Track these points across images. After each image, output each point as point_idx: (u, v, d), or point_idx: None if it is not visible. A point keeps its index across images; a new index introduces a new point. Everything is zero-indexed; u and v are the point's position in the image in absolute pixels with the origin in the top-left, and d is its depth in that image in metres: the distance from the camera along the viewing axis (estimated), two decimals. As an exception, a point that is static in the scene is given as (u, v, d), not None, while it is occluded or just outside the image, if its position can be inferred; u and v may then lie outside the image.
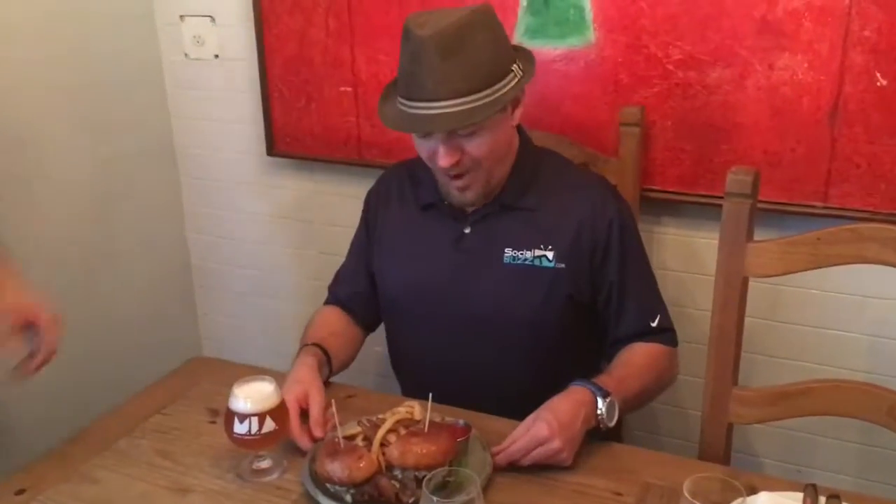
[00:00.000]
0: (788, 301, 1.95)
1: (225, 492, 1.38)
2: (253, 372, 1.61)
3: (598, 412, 1.39)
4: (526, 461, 1.35)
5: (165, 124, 2.58)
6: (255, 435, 1.37)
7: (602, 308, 1.62)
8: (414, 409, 1.44)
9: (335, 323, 1.80)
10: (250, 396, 1.38)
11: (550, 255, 1.58)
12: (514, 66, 1.49)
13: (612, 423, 1.41)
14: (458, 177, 1.54)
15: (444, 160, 1.49)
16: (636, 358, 1.56)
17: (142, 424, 1.58)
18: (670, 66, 1.86)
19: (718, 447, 1.46)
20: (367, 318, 1.82)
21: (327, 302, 1.87)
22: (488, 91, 1.44)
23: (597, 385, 1.42)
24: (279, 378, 1.66)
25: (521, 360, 1.64)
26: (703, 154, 1.90)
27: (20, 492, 1.38)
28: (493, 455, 1.36)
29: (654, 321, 1.59)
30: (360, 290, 1.80)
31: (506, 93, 1.46)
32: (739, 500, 1.09)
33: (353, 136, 2.27)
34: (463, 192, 1.57)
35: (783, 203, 1.82)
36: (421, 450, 1.28)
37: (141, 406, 1.64)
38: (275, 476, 1.41)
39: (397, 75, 1.52)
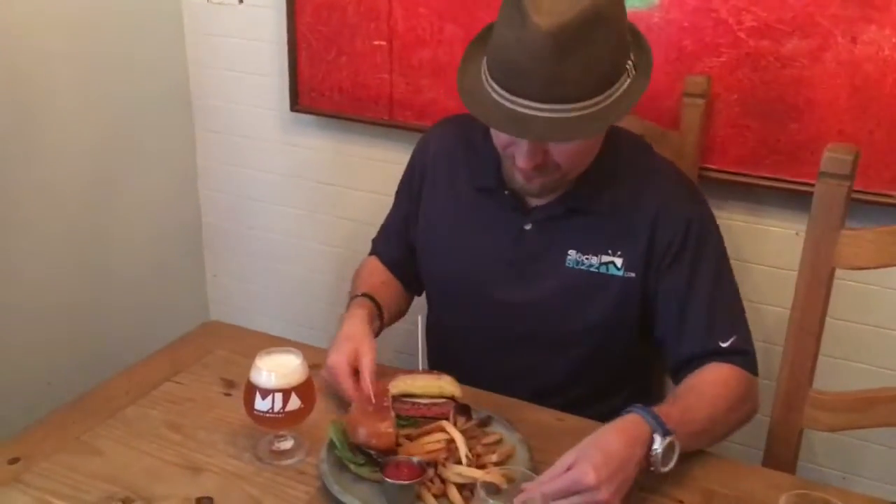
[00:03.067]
0: (847, 297, 1.81)
1: (240, 473, 1.24)
2: (272, 341, 1.48)
3: (653, 452, 1.18)
4: None
5: (182, 72, 2.41)
6: (278, 413, 1.23)
7: (664, 319, 1.41)
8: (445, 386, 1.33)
9: (383, 272, 1.67)
10: (275, 370, 1.24)
11: (619, 262, 1.40)
12: (629, 63, 1.28)
13: (667, 469, 1.20)
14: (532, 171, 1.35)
15: (524, 161, 1.31)
16: (705, 384, 1.33)
17: (151, 392, 1.44)
18: (741, 34, 1.70)
19: (787, 454, 1.33)
20: (409, 284, 1.68)
21: (371, 253, 1.73)
22: (600, 98, 1.24)
23: (657, 418, 1.20)
24: (302, 350, 1.53)
25: (570, 370, 1.48)
26: (769, 133, 1.74)
27: (13, 460, 1.25)
28: (521, 490, 1.13)
29: (725, 341, 1.36)
30: (399, 258, 1.66)
31: (618, 102, 1.26)
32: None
33: (385, 95, 2.11)
34: (530, 182, 1.38)
35: (857, 191, 1.66)
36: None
37: (150, 371, 1.50)
38: (296, 459, 1.27)
39: (493, 47, 1.28)
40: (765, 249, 1.88)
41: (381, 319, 1.57)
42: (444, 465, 1.19)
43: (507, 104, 1.25)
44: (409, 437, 1.27)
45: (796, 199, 1.78)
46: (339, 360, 1.39)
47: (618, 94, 1.26)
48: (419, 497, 1.17)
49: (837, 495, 1.18)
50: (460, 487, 1.17)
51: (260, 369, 1.24)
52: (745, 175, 1.79)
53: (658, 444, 1.20)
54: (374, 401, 1.29)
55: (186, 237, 2.57)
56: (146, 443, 1.30)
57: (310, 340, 1.62)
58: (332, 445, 1.24)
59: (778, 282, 1.86)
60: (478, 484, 0.97)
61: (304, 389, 1.25)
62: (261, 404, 1.23)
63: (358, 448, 1.23)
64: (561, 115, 1.22)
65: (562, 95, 1.22)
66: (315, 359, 1.44)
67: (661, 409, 1.25)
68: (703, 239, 1.39)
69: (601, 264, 1.41)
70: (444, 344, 1.60)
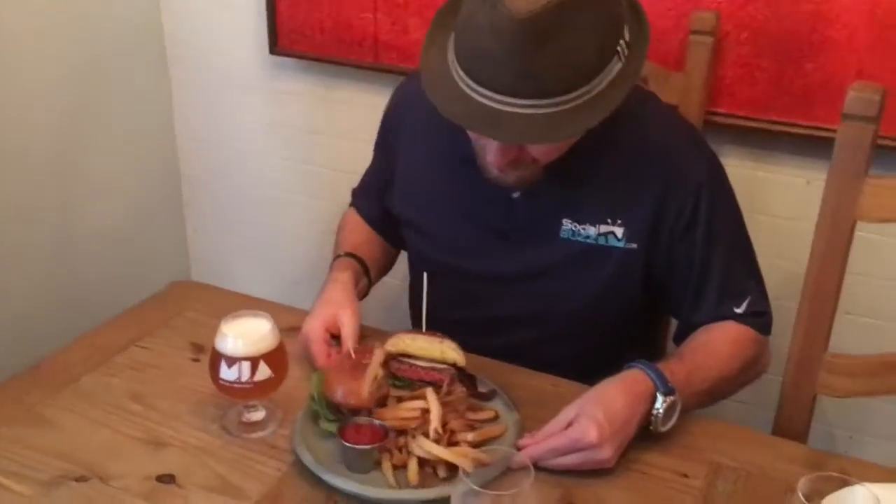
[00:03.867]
0: (869, 251, 1.69)
1: (206, 447, 1.14)
2: (247, 302, 1.37)
3: (654, 412, 1.12)
4: (558, 464, 1.07)
5: (153, 11, 2.26)
6: (245, 383, 1.13)
7: (677, 291, 1.31)
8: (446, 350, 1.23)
9: (366, 228, 1.56)
10: (242, 336, 1.13)
11: (620, 231, 1.27)
12: (621, 43, 1.11)
13: (666, 428, 1.14)
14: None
15: (494, 158, 1.18)
16: (716, 343, 1.25)
17: (112, 359, 1.33)
18: (753, -35, 1.56)
19: (799, 422, 1.23)
20: (392, 241, 1.56)
21: (352, 205, 1.62)
22: (583, 90, 1.08)
23: (661, 375, 1.13)
24: (280, 312, 1.42)
25: (567, 347, 1.36)
26: (782, 73, 1.61)
27: (-41, 433, 1.15)
28: (518, 448, 1.08)
29: (740, 306, 1.27)
30: (379, 216, 1.54)
31: (605, 94, 1.10)
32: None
33: (370, 36, 1.97)
34: (504, 175, 1.23)
35: (880, 137, 1.54)
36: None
37: (113, 336, 1.39)
38: (268, 431, 1.17)
39: (461, 28, 1.12)
40: (773, 199, 1.76)
41: (369, 277, 1.47)
42: (412, 437, 1.09)
43: (476, 97, 1.10)
44: (401, 400, 1.18)
45: (809, 146, 1.66)
46: (314, 325, 1.29)
47: (604, 83, 1.10)
48: (378, 464, 1.08)
49: (854, 469, 1.10)
50: (425, 462, 1.07)
51: (225, 336, 1.13)
52: (754, 119, 1.67)
53: (660, 404, 1.12)
54: (353, 356, 1.20)
55: (165, 190, 2.44)
56: (105, 415, 1.20)
57: (297, 297, 1.52)
58: (311, 398, 1.17)
59: (785, 234, 1.75)
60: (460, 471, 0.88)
61: (274, 357, 1.15)
62: (226, 373, 1.13)
63: (334, 405, 1.15)
64: (537, 112, 1.08)
65: (538, 89, 1.07)
66: (297, 321, 1.35)
67: (667, 367, 1.16)
68: (716, 203, 1.27)
69: (599, 235, 1.28)
70: (429, 318, 1.48)
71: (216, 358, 1.14)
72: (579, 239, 1.29)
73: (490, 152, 1.18)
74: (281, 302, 1.49)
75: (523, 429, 1.14)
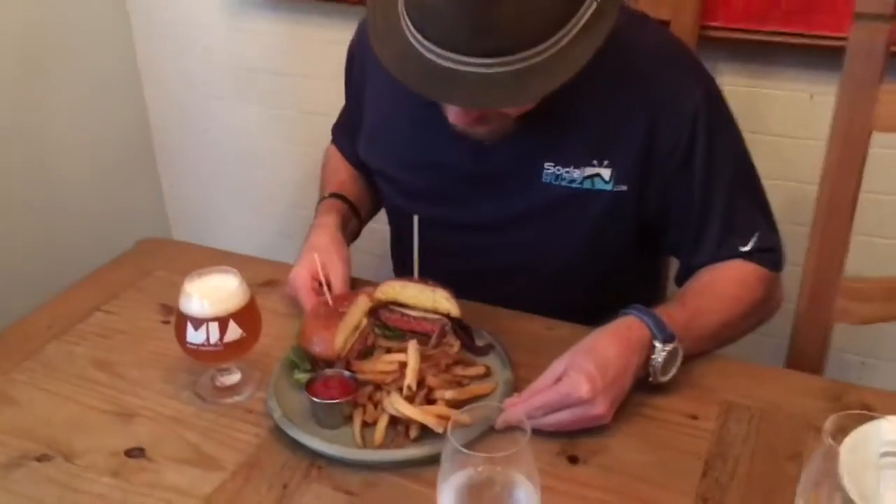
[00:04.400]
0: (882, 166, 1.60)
1: (179, 416, 1.06)
2: (222, 257, 1.28)
3: (652, 361, 1.03)
4: (548, 423, 0.97)
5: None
6: (214, 346, 1.04)
7: (676, 233, 1.21)
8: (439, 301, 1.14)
9: (350, 166, 1.46)
10: (207, 295, 1.04)
11: (607, 173, 1.16)
12: None
13: (666, 379, 1.05)
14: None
15: (456, 118, 1.08)
16: (720, 284, 1.15)
17: (77, 325, 1.24)
18: None
19: (813, 353, 1.16)
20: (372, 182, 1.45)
21: (333, 142, 1.52)
22: (548, 43, 0.96)
23: (658, 321, 1.04)
24: (259, 266, 1.35)
25: (561, 296, 1.25)
26: (780, -22, 1.50)
27: (-89, 416, 1.06)
28: (503, 408, 0.97)
29: (746, 244, 1.16)
30: (356, 157, 1.43)
31: (572, 47, 0.97)
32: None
33: (336, -34, 1.84)
34: (472, 130, 1.13)
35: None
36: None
37: (76, 301, 1.30)
38: (244, 395, 1.09)
39: None
40: (774, 118, 1.66)
41: (359, 217, 1.39)
42: (387, 392, 1.01)
43: (429, 56, 0.98)
44: (389, 351, 1.10)
45: (812, 57, 1.56)
46: (299, 273, 1.21)
47: (575, 30, 0.97)
48: (350, 420, 1.01)
49: (876, 401, 1.03)
50: (398, 421, 0.99)
51: (189, 295, 1.04)
52: (751, 31, 1.56)
53: (659, 352, 1.03)
54: (330, 303, 1.11)
55: (135, 144, 2.33)
56: (69, 387, 1.12)
57: (285, 250, 1.43)
58: (292, 348, 1.10)
59: (789, 154, 1.66)
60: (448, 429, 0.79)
61: (245, 315, 1.06)
62: (194, 336, 1.04)
63: (310, 356, 1.08)
64: (497, 70, 0.96)
65: (496, 46, 0.95)
66: (277, 274, 1.26)
67: (666, 312, 1.07)
68: (714, 130, 1.14)
69: (584, 178, 1.17)
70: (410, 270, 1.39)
71: (181, 320, 1.05)
72: (563, 183, 1.18)
73: (451, 112, 1.07)
74: (269, 256, 1.40)
75: (513, 389, 1.05)
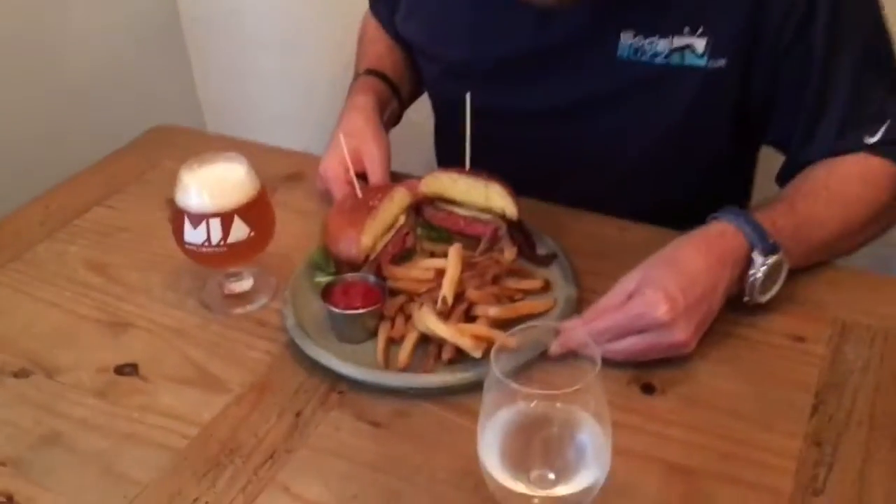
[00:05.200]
0: None
1: (180, 328, 0.91)
2: (239, 147, 1.10)
3: (750, 277, 0.83)
4: (615, 350, 0.78)
5: None
6: (217, 246, 0.87)
7: (785, 118, 0.98)
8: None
9: (388, 38, 1.25)
10: (207, 186, 0.87)
11: (701, 44, 0.94)
12: None
13: (766, 298, 0.85)
14: None
15: None
16: (839, 182, 0.92)
17: (73, 221, 1.09)
18: None
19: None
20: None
21: (371, 10, 1.31)
22: None
23: (759, 228, 0.83)
24: (282, 157, 1.17)
25: (636, 200, 1.04)
26: None
27: None
28: (560, 329, 0.74)
29: (874, 134, 0.92)
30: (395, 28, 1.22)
31: None
32: None
33: None
34: None
35: None
36: None
37: (74, 195, 1.14)
38: (256, 305, 0.93)
39: None
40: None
41: (399, 99, 1.19)
42: (419, 305, 0.83)
43: None
44: (433, 256, 0.92)
45: None
46: (330, 164, 1.04)
47: None
48: (374, 334, 0.85)
49: None
50: (430, 340, 0.82)
51: (187, 187, 0.87)
52: None
53: (758, 267, 0.82)
54: (359, 195, 0.93)
55: (164, 31, 2.15)
56: (57, 291, 0.97)
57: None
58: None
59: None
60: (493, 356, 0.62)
61: (253, 211, 0.88)
62: (192, 235, 0.87)
63: (335, 258, 0.91)
64: None
65: None
66: (302, 166, 1.10)
67: (768, 216, 0.86)
68: None
69: (672, 51, 0.95)
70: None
71: (178, 216, 0.88)
72: (644, 59, 0.96)
73: None
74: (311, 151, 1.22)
75: (576, 309, 0.86)
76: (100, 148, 1.35)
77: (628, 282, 0.80)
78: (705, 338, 0.81)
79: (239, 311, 0.92)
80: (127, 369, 0.85)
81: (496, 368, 0.59)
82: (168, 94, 2.18)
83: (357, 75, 1.19)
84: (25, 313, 0.94)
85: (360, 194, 0.93)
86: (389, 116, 1.17)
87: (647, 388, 0.79)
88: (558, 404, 0.61)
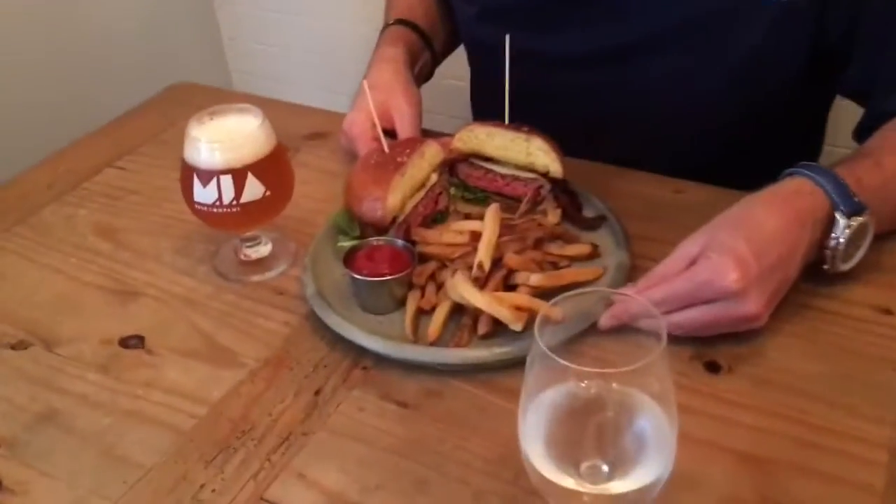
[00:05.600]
0: None
1: (191, 297, 0.83)
2: (261, 104, 1.02)
3: (832, 241, 0.72)
4: (677, 323, 0.69)
5: None
6: (229, 206, 0.79)
7: (864, 66, 0.87)
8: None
9: None
10: (219, 140, 0.78)
11: None
12: None
13: (849, 266, 0.74)
14: None
15: None
16: None
17: (83, 184, 1.02)
18: None
19: None
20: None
21: None
22: None
23: (842, 185, 0.72)
24: (307, 116, 1.10)
25: (695, 157, 0.93)
26: None
27: None
28: (613, 299, 0.67)
29: None
30: None
31: None
32: None
33: None
34: None
35: None
36: None
37: (85, 156, 1.07)
38: (275, 272, 0.85)
39: None
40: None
41: (432, 51, 1.10)
42: (451, 272, 0.74)
43: None
44: (468, 218, 0.83)
45: None
46: (355, 118, 0.96)
47: None
48: (401, 302, 0.76)
49: None
50: (464, 311, 0.73)
51: (196, 141, 0.79)
52: None
53: (841, 229, 0.72)
54: (386, 150, 0.83)
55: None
56: (62, 257, 0.90)
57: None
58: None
59: None
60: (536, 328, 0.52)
61: (268, 167, 0.80)
62: (202, 194, 0.79)
63: (359, 219, 0.82)
64: None
65: None
66: (325, 125, 1.02)
67: (851, 172, 0.75)
68: None
69: None
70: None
71: (187, 173, 0.80)
72: None
73: None
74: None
75: (628, 277, 0.77)
76: (124, 110, 1.29)
77: (691, 245, 0.70)
78: (778, 309, 0.71)
79: (255, 278, 0.84)
80: (132, 341, 0.78)
81: (541, 342, 0.50)
82: (195, 56, 2.12)
83: (386, 25, 1.10)
84: (29, 281, 0.87)
85: (386, 150, 0.83)
86: (420, 70, 1.08)
87: (712, 367, 0.69)
88: (615, 384, 0.52)
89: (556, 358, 0.48)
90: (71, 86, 1.73)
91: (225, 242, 0.88)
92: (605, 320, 0.64)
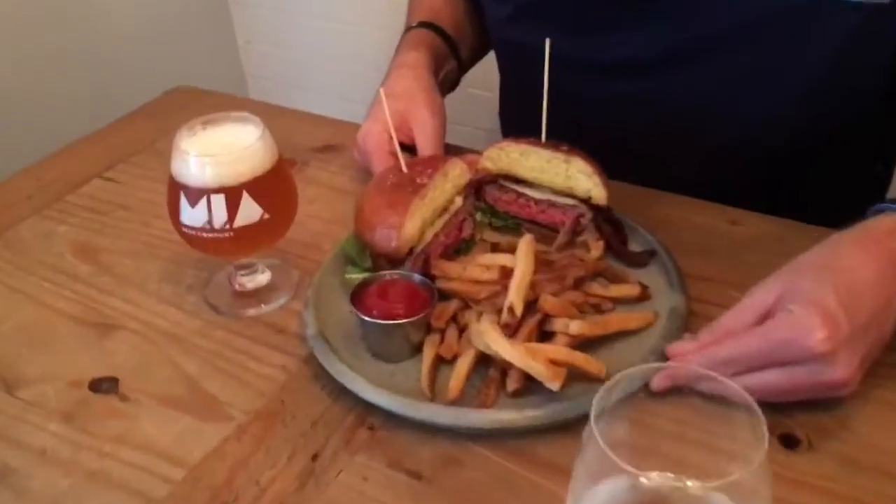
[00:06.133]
0: None
1: (177, 332, 0.72)
2: (264, 112, 0.92)
3: None
4: (749, 388, 0.48)
5: None
6: (222, 231, 0.68)
7: None
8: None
9: None
10: (210, 153, 0.68)
11: None
12: None
13: None
14: None
15: None
16: None
17: (66, 196, 0.92)
18: None
19: None
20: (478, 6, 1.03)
21: None
22: None
23: None
24: (318, 126, 1.00)
25: (749, 181, 0.84)
26: None
27: None
28: (669, 356, 0.61)
29: None
30: None
31: None
32: None
33: None
34: None
35: None
36: None
37: (72, 164, 0.97)
38: (273, 305, 0.74)
39: None
40: None
41: (458, 58, 0.99)
42: (477, 315, 0.63)
43: None
44: (496, 249, 0.72)
45: None
46: (371, 128, 0.85)
47: None
48: (417, 349, 0.65)
49: None
50: (490, 361, 0.62)
51: (185, 154, 0.68)
52: None
53: None
54: (404, 170, 0.72)
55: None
56: (35, 281, 0.79)
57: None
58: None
59: None
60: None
61: (267, 186, 0.69)
62: (190, 215, 0.68)
63: (371, 248, 0.71)
64: None
65: None
66: (337, 137, 0.92)
67: None
68: None
69: None
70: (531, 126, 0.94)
71: (175, 190, 0.69)
72: None
73: None
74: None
75: (685, 325, 0.65)
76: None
77: (764, 293, 0.59)
78: (869, 373, 0.60)
79: (251, 312, 0.73)
80: (105, 385, 0.67)
81: (597, 432, 0.38)
82: (208, 59, 2.03)
83: (408, 28, 0.99)
84: (-6, 306, 0.76)
85: (404, 168, 0.72)
86: (444, 78, 0.97)
87: (789, 441, 0.58)
88: (690, 482, 0.41)
89: (618, 460, 0.37)
90: (74, 88, 1.64)
91: (219, 268, 0.77)
92: (657, 382, 0.52)
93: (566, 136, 0.75)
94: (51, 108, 1.58)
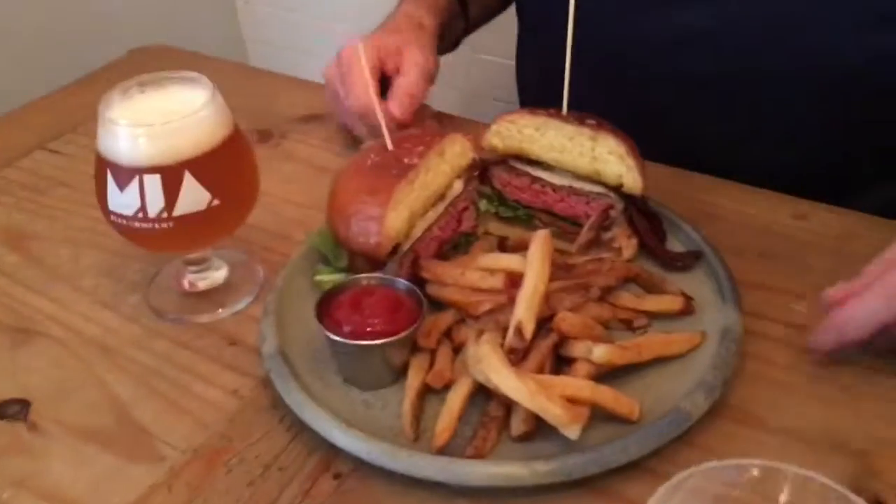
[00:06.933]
0: None
1: (110, 342, 0.59)
2: (242, 75, 0.80)
3: None
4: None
5: None
6: (158, 220, 0.54)
7: None
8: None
9: None
10: (144, 123, 0.54)
11: None
12: None
13: None
14: None
15: None
16: None
17: (3, 171, 0.78)
18: None
19: None
20: None
21: None
22: None
23: None
24: (302, 92, 0.89)
25: (807, 163, 0.70)
26: None
27: None
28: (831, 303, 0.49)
29: None
30: None
31: None
32: None
33: None
34: None
35: None
36: None
37: (16, 131, 0.84)
38: (229, 311, 0.60)
39: None
40: None
41: (465, 15, 0.87)
42: (476, 334, 0.50)
43: None
44: (503, 247, 0.60)
45: None
46: (344, 51, 0.74)
47: None
48: (399, 374, 0.52)
49: None
50: (488, 394, 0.49)
51: (112, 124, 0.54)
52: None
53: None
54: (389, 147, 0.58)
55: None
56: (-54, 275, 0.66)
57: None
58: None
59: None
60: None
61: (217, 164, 0.55)
62: (119, 201, 0.55)
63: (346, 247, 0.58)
64: None
65: None
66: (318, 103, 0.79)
67: None
68: None
69: None
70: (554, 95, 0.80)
71: (101, 170, 0.55)
72: None
73: None
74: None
75: (737, 347, 0.52)
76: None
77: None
78: None
79: (203, 318, 0.60)
80: (12, 409, 0.54)
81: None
82: (204, 21, 1.88)
83: None
84: None
85: (389, 145, 0.58)
86: (448, 33, 0.84)
87: (882, 515, 0.44)
88: None
89: None
90: (74, 55, 1.51)
91: (165, 264, 0.64)
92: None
93: (594, 109, 0.60)
94: (24, 68, 1.44)
